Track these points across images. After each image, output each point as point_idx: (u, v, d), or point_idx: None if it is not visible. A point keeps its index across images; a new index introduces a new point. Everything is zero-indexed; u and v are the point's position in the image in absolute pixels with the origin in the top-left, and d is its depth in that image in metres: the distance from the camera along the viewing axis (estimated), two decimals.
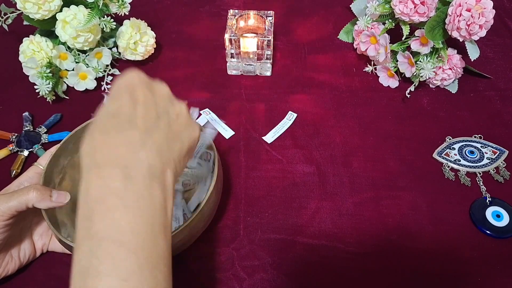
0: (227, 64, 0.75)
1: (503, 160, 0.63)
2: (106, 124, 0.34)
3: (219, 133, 0.66)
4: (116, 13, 0.69)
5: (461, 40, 0.65)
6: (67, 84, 0.71)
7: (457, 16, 0.61)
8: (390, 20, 0.70)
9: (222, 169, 0.55)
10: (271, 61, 0.74)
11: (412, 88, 0.69)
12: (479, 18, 0.61)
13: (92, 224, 0.29)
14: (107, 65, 0.72)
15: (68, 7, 0.65)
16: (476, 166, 0.62)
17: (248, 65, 0.74)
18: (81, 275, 0.28)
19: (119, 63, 0.77)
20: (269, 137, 0.66)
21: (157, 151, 0.33)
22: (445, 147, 0.65)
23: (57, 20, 0.65)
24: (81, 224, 0.30)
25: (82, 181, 0.32)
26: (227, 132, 0.67)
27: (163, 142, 0.34)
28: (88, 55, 0.70)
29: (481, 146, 0.65)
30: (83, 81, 0.70)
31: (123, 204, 0.30)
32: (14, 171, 0.61)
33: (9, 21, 0.69)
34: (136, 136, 0.33)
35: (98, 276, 0.28)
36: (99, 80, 0.72)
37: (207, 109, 0.70)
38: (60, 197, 0.46)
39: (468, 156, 0.63)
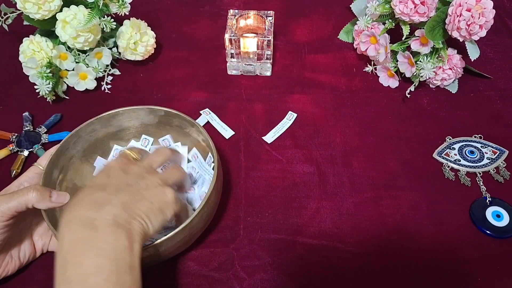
0: (227, 64, 0.75)
1: (503, 160, 0.63)
2: (84, 194, 0.41)
3: (219, 133, 0.67)
4: (116, 13, 0.69)
5: (461, 40, 0.65)
6: (67, 84, 0.71)
7: (457, 16, 0.61)
8: (390, 20, 0.70)
9: (222, 169, 0.55)
10: (271, 61, 0.74)
11: (412, 88, 0.69)
12: (479, 18, 0.61)
13: (65, 270, 0.35)
14: (107, 65, 0.72)
15: (68, 7, 0.65)
16: (476, 166, 0.62)
17: (248, 65, 0.74)
18: None
19: (119, 63, 0.77)
20: (269, 137, 0.66)
21: (122, 206, 0.39)
22: (445, 147, 0.65)
23: (57, 20, 0.65)
24: (57, 272, 0.35)
25: (57, 233, 0.38)
26: (227, 132, 0.67)
27: (129, 201, 0.40)
28: (88, 55, 0.70)
29: (481, 146, 0.65)
30: (83, 81, 0.70)
31: (89, 250, 0.36)
32: (14, 171, 0.61)
33: (9, 21, 0.69)
34: (103, 196, 0.40)
35: None
36: (99, 80, 0.72)
37: (207, 109, 0.70)
38: (60, 198, 0.46)
39: (468, 156, 0.63)
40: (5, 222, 0.44)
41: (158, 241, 0.44)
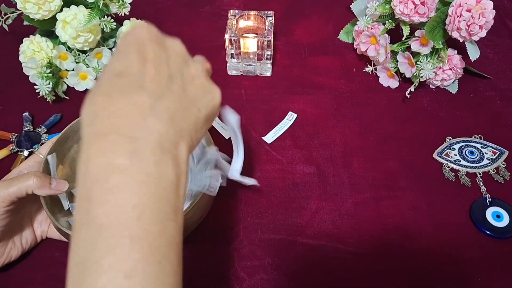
0: (227, 64, 0.75)
1: (503, 161, 0.63)
2: (110, 86, 0.29)
3: (219, 133, 0.66)
4: (116, 13, 0.69)
5: (461, 40, 0.65)
6: (67, 84, 0.71)
7: (457, 16, 0.61)
8: (390, 21, 0.70)
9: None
10: (271, 61, 0.74)
11: (412, 88, 0.69)
12: (479, 18, 0.61)
13: (92, 206, 0.26)
14: None
15: (68, 7, 0.65)
16: (476, 166, 0.62)
17: (248, 65, 0.74)
18: (79, 268, 0.25)
19: None
20: (269, 137, 0.66)
21: (169, 118, 0.28)
22: (445, 148, 0.65)
23: (57, 20, 0.65)
24: (80, 206, 0.27)
25: (81, 154, 0.27)
26: (227, 132, 0.67)
27: (176, 109, 0.29)
28: (88, 55, 0.70)
29: (481, 147, 0.65)
30: (83, 81, 0.70)
31: (127, 184, 0.26)
32: None
33: (9, 21, 0.69)
34: (144, 99, 0.28)
35: (98, 270, 0.24)
36: None
37: None
38: (59, 185, 0.46)
39: (468, 157, 0.63)
40: (5, 208, 0.44)
41: None
